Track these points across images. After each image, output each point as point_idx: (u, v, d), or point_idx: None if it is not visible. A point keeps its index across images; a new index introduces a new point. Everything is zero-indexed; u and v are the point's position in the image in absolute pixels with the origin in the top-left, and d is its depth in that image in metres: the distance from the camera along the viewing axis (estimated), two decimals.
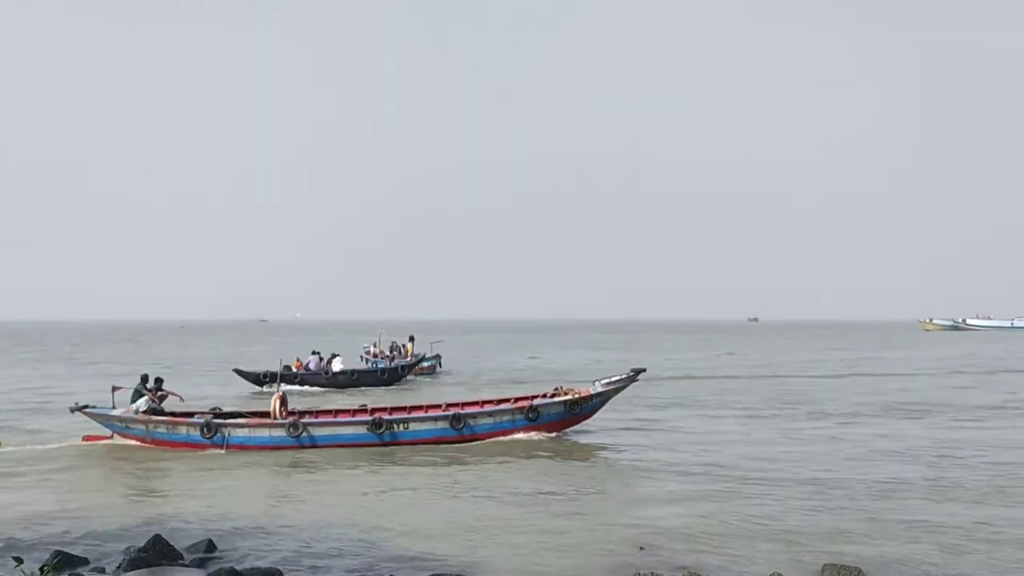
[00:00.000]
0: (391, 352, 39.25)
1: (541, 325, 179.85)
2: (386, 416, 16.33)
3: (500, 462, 14.50)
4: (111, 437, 16.58)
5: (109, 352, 58.17)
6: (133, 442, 16.38)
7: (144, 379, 17.12)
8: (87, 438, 16.73)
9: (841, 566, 8.16)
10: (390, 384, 30.42)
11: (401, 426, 16.09)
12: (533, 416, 16.40)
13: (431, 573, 8.31)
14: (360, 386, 29.52)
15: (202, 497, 12.20)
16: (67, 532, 10.02)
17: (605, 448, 15.97)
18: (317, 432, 15.94)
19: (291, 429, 15.79)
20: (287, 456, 15.31)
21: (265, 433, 15.96)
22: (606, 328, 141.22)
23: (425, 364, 36.59)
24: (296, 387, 28.69)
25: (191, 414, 16.68)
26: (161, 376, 17.68)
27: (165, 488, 13.01)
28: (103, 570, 8.47)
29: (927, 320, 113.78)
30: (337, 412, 17.19)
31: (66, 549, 8.98)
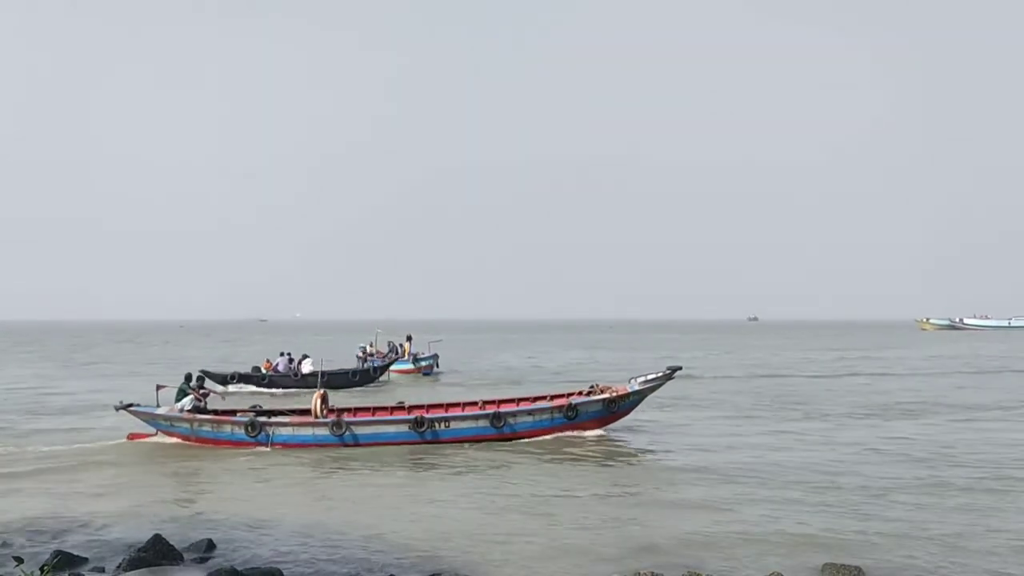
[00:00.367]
0: (388, 352, 39.22)
1: (541, 325, 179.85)
2: (428, 415, 16.38)
3: (523, 463, 14.49)
4: (155, 435, 16.66)
5: (107, 352, 58.17)
6: (177, 440, 16.46)
7: (188, 378, 17.36)
8: (131, 437, 16.80)
9: (841, 565, 8.17)
10: (362, 385, 29.81)
11: (442, 424, 16.15)
12: (572, 414, 16.47)
13: (431, 573, 8.32)
14: (330, 388, 28.72)
15: (204, 496, 12.22)
16: (68, 532, 10.03)
17: (640, 447, 15.96)
18: (360, 431, 16.02)
19: (334, 428, 15.89)
20: (326, 454, 15.39)
21: (308, 431, 16.06)
22: (606, 328, 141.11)
23: (423, 363, 36.50)
24: (264, 389, 28.14)
25: (233, 412, 16.79)
26: (202, 375, 17.96)
27: (170, 487, 12.99)
28: (103, 570, 8.48)
29: (924, 320, 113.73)
30: (375, 411, 17.23)
31: (66, 549, 9.00)
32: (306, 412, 16.60)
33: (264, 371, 29.61)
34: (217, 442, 16.16)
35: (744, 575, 8.32)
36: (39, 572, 7.69)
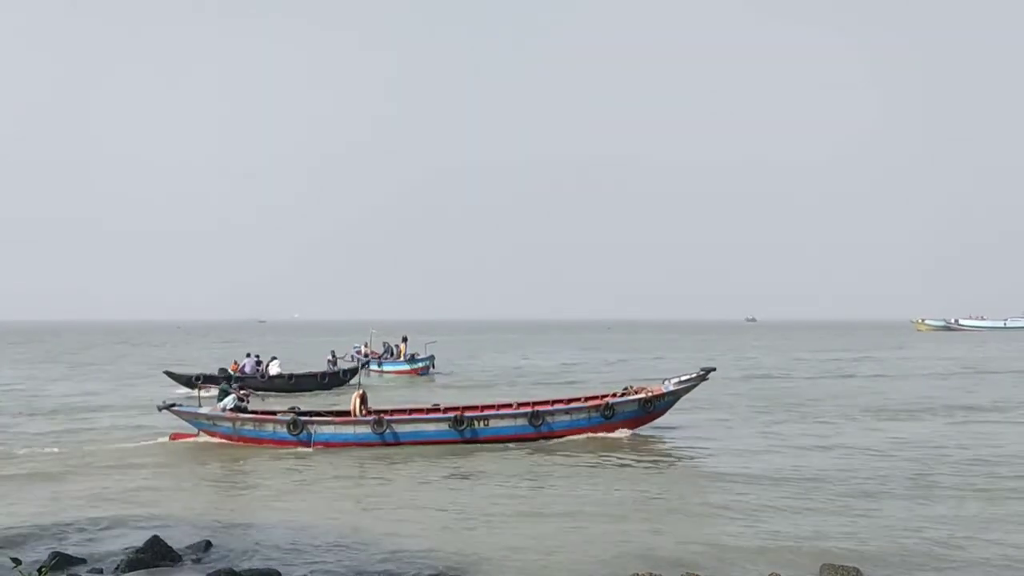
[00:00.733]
0: (384, 352, 39.27)
1: (540, 325, 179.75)
2: (467, 413, 16.49)
3: (541, 463, 14.58)
4: (197, 435, 16.76)
5: (101, 353, 58.14)
6: (219, 440, 16.55)
7: (229, 380, 17.39)
8: (174, 437, 16.93)
9: (839, 566, 8.21)
10: (331, 388, 29.20)
11: (481, 423, 16.28)
12: (609, 414, 16.61)
13: (430, 573, 8.37)
14: (299, 391, 28.21)
15: (204, 497, 12.24)
16: (67, 533, 10.05)
17: (664, 449, 16.07)
18: (400, 429, 16.13)
19: (376, 426, 15.99)
20: (366, 452, 15.51)
21: (350, 430, 16.18)
22: (603, 329, 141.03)
23: (419, 365, 36.51)
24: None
25: (273, 413, 16.88)
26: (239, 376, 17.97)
27: (170, 488, 12.99)
28: (101, 571, 8.49)
29: (919, 320, 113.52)
30: (411, 411, 17.31)
31: (64, 550, 9.02)
32: (344, 413, 16.76)
33: (231, 373, 28.62)
34: (259, 441, 16.29)
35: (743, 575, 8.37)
36: (36, 573, 7.68)
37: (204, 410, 16.79)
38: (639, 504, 11.51)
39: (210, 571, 8.29)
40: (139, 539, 9.26)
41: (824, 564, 8.34)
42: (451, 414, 16.36)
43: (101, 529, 10.25)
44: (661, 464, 14.47)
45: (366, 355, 39.80)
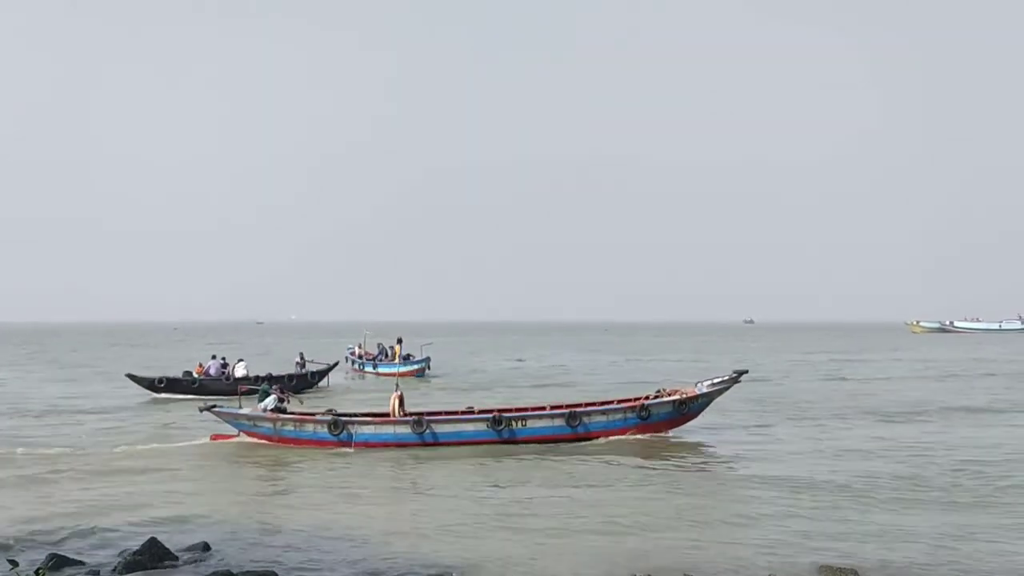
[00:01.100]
0: (378, 354, 39.15)
1: (539, 327, 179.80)
2: (506, 414, 16.58)
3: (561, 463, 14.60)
4: (237, 436, 16.83)
5: (98, 355, 58.09)
6: (259, 440, 16.61)
7: (269, 379, 17.38)
8: (215, 437, 17.03)
9: (837, 568, 8.23)
10: (299, 391, 28.43)
11: (519, 423, 16.36)
12: (645, 415, 16.71)
13: (432, 574, 8.38)
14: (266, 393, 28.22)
15: (203, 498, 12.20)
16: (66, 534, 10.05)
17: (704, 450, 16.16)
18: (440, 429, 16.22)
19: (415, 426, 16.08)
20: (408, 453, 15.58)
21: (390, 430, 16.27)
22: (602, 330, 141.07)
23: (415, 366, 36.34)
24: (194, 395, 26.76)
25: (312, 414, 16.95)
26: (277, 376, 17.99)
27: (169, 489, 12.94)
28: (98, 573, 8.51)
29: (914, 322, 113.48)
30: (446, 414, 17.37)
31: (62, 552, 9.01)
32: (382, 414, 16.85)
33: (196, 375, 28.32)
34: (300, 441, 16.36)
35: None
36: (34, 575, 7.70)
37: (245, 411, 16.93)
38: (639, 505, 11.50)
39: (207, 573, 8.30)
40: (138, 541, 9.26)
41: (822, 566, 8.36)
42: (489, 415, 16.50)
43: (100, 531, 10.24)
44: (672, 467, 14.45)
45: (360, 356, 39.70)
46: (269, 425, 16.56)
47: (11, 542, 9.64)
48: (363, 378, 36.99)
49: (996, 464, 14.16)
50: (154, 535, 9.19)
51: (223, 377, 28.02)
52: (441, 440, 16.11)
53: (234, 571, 8.29)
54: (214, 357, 29.59)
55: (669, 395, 17.22)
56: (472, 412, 17.07)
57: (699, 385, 17.46)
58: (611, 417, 16.71)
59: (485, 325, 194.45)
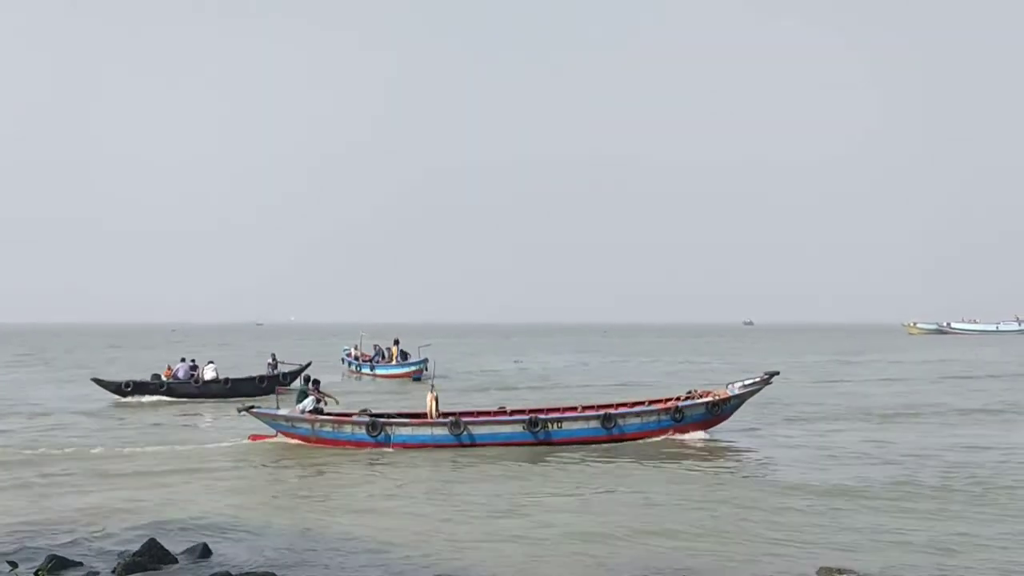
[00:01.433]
0: (374, 355, 39.08)
1: (538, 328, 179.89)
2: (542, 415, 16.68)
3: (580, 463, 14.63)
4: (275, 436, 16.91)
5: (86, 357, 58.07)
6: (297, 441, 16.68)
7: (307, 380, 17.77)
8: (253, 438, 17.12)
9: (837, 570, 8.24)
10: (270, 393, 27.77)
11: (555, 425, 16.45)
12: (679, 417, 16.80)
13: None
14: (235, 396, 26.75)
15: (204, 500, 12.16)
16: (64, 536, 10.05)
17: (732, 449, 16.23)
18: (476, 430, 16.32)
19: (453, 427, 16.15)
20: (443, 454, 15.65)
21: (427, 432, 16.37)
22: (602, 332, 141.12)
23: (413, 368, 36.16)
24: (164, 397, 26.55)
25: (349, 415, 17.03)
26: (318, 379, 18.27)
27: (169, 490, 12.92)
28: (97, 574, 8.51)
29: (911, 324, 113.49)
30: (479, 413, 17.48)
31: (62, 553, 8.99)
32: (418, 415, 16.98)
33: (164, 378, 27.69)
34: (338, 442, 16.45)
35: None
36: None
37: (283, 412, 17.03)
38: (639, 508, 11.53)
39: (207, 575, 8.32)
40: (138, 542, 9.25)
41: (822, 568, 8.37)
42: (526, 416, 16.60)
43: (101, 532, 10.24)
44: (682, 469, 14.49)
45: (356, 358, 39.64)
46: (307, 426, 16.68)
47: (11, 544, 9.65)
48: (359, 379, 36.94)
49: (994, 467, 14.19)
50: (154, 537, 9.19)
51: (192, 380, 27.47)
52: (478, 441, 16.22)
53: (233, 572, 8.29)
54: (183, 360, 29.01)
55: (701, 396, 17.33)
56: (505, 412, 17.23)
57: (731, 387, 17.56)
58: (645, 419, 16.82)
59: (485, 327, 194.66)
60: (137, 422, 21.70)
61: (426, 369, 36.61)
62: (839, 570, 8.26)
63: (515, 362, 48.87)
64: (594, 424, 16.54)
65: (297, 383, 29.62)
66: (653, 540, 9.81)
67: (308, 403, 16.96)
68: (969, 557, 9.08)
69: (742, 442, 17.13)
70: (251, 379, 28.94)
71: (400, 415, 17.26)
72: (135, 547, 9.07)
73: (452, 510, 11.56)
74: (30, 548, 9.46)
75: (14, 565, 8.24)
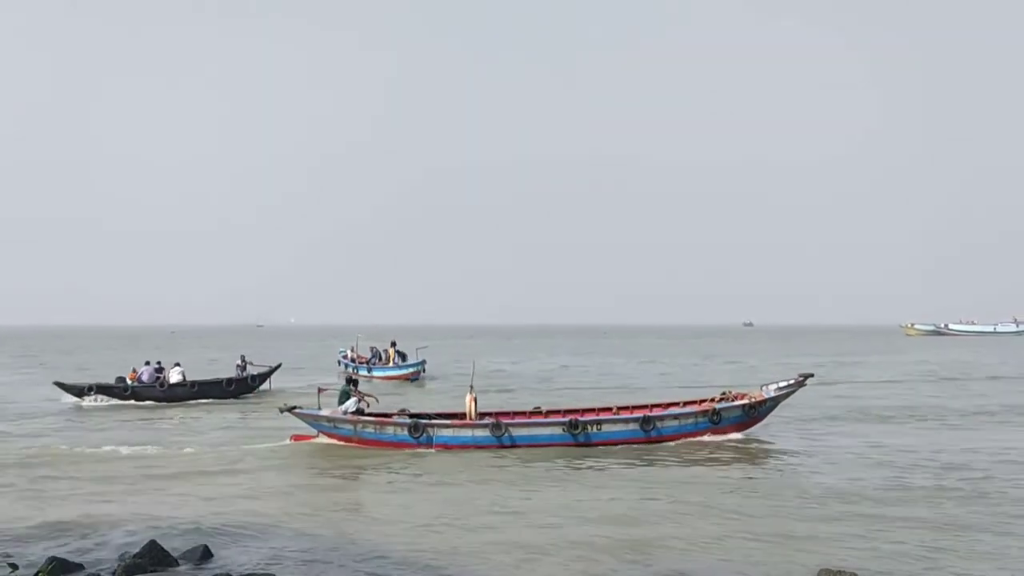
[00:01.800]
0: (371, 357, 39.06)
1: (538, 329, 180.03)
2: (581, 417, 16.77)
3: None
4: (316, 437, 17.02)
5: (81, 358, 58.08)
6: (338, 442, 16.77)
7: (349, 381, 17.91)
8: (295, 438, 17.22)
9: (837, 571, 8.25)
10: (238, 396, 27.77)
11: (595, 427, 16.51)
12: (716, 419, 16.86)
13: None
14: (202, 399, 26.83)
15: (210, 501, 12.16)
16: (65, 537, 10.06)
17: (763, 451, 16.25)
18: (517, 432, 16.39)
19: (494, 429, 16.24)
20: (486, 455, 15.70)
21: (468, 433, 16.43)
22: (601, 334, 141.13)
23: (410, 369, 36.17)
24: (129, 401, 26.21)
25: (389, 415, 17.13)
26: (356, 379, 18.29)
27: (171, 492, 12.92)
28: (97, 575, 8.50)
29: (909, 325, 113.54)
30: (514, 414, 17.57)
31: (62, 555, 8.99)
32: (457, 416, 17.07)
33: (129, 381, 27.21)
34: (380, 443, 16.53)
35: None
36: None
37: (325, 412, 17.11)
38: (638, 510, 11.54)
39: None
40: (139, 543, 9.25)
41: (822, 569, 8.38)
42: (566, 418, 16.68)
43: (102, 534, 10.24)
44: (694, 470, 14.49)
45: (352, 360, 39.63)
46: (350, 427, 16.78)
47: (11, 545, 9.64)
48: None
49: (991, 468, 14.23)
50: (154, 539, 9.19)
51: (157, 384, 27.02)
52: (518, 443, 16.29)
53: (233, 574, 8.30)
54: (147, 363, 28.28)
55: (737, 398, 17.43)
56: (541, 414, 17.39)
57: (766, 389, 17.66)
58: (683, 421, 16.91)
59: (485, 328, 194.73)
60: (142, 423, 21.70)
61: (423, 371, 36.68)
62: (839, 571, 8.26)
63: (512, 363, 48.90)
64: (633, 426, 16.65)
65: (267, 385, 29.33)
66: (653, 540, 9.84)
67: (351, 404, 17.06)
68: (969, 558, 9.11)
69: (743, 443, 17.09)
70: (218, 382, 28.26)
71: (439, 415, 17.33)
72: (136, 549, 9.06)
73: (453, 514, 11.54)
74: (30, 550, 9.48)
75: (14, 567, 8.26)
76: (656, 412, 17.16)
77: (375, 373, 37.13)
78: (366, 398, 17.32)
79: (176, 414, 23.58)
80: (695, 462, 15.07)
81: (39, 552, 9.33)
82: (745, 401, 17.24)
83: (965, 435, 18.48)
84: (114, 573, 8.50)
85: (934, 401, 25.70)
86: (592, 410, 17.72)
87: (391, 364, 37.35)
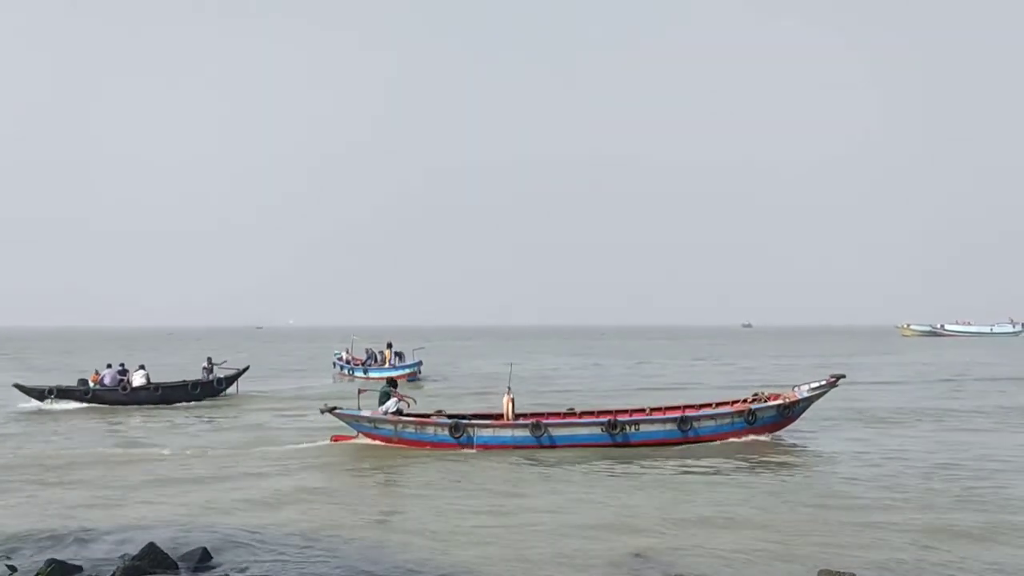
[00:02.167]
0: (367, 358, 39.13)
1: (537, 330, 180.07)
2: (620, 418, 16.90)
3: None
4: (356, 437, 17.13)
5: (77, 360, 58.09)
6: (378, 442, 16.87)
7: (389, 381, 17.97)
8: (335, 438, 17.32)
9: (836, 572, 8.27)
10: (202, 399, 27.12)
11: (633, 427, 16.63)
12: (751, 419, 16.96)
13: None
14: (166, 403, 26.25)
15: (205, 502, 12.15)
16: (65, 539, 10.05)
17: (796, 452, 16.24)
18: (556, 432, 16.50)
19: (534, 429, 16.34)
20: (524, 455, 15.73)
21: (508, 433, 16.53)
22: (599, 335, 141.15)
23: (406, 370, 36.15)
24: (87, 404, 25.61)
25: (427, 415, 17.26)
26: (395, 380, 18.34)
27: (171, 494, 12.90)
28: None
29: (905, 325, 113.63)
30: (548, 415, 17.65)
31: (60, 557, 9.00)
32: (494, 416, 17.18)
33: (91, 384, 26.49)
34: (420, 444, 16.63)
35: None
36: None
37: (366, 413, 17.21)
38: (638, 511, 11.55)
39: None
40: (138, 546, 9.25)
41: (821, 570, 8.39)
42: (604, 419, 16.80)
43: (102, 535, 10.25)
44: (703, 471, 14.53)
45: (348, 362, 39.70)
46: (390, 427, 16.88)
47: (10, 548, 9.64)
48: (352, 382, 36.98)
49: (990, 470, 14.28)
50: (153, 541, 9.19)
51: (119, 387, 26.36)
52: (557, 443, 16.39)
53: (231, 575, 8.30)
54: (110, 365, 27.61)
55: (770, 399, 17.53)
56: (574, 413, 17.54)
57: (799, 389, 17.75)
58: (720, 421, 17.03)
59: (484, 329, 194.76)
60: (146, 425, 21.70)
61: (420, 372, 36.74)
62: (838, 572, 8.28)
63: (508, 365, 48.85)
64: (671, 426, 16.76)
65: (234, 389, 28.61)
66: (653, 541, 9.86)
67: (391, 404, 17.17)
68: (969, 559, 9.13)
69: (742, 443, 17.08)
70: (183, 385, 27.65)
71: (477, 416, 17.45)
72: (135, 551, 9.07)
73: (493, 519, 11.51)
74: (29, 552, 9.48)
75: (13, 569, 8.27)
76: (690, 412, 17.27)
77: (371, 374, 37.15)
78: (405, 399, 17.43)
79: (138, 417, 23.29)
80: (701, 464, 15.12)
81: (38, 554, 9.34)
82: (780, 401, 17.35)
83: (965, 436, 18.53)
84: (113, 575, 8.50)
85: (929, 403, 25.68)
86: (624, 411, 17.86)
87: (387, 365, 37.44)
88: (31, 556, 9.27)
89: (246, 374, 29.88)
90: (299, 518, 11.19)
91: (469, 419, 16.95)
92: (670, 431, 16.70)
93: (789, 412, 17.35)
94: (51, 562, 8.67)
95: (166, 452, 16.81)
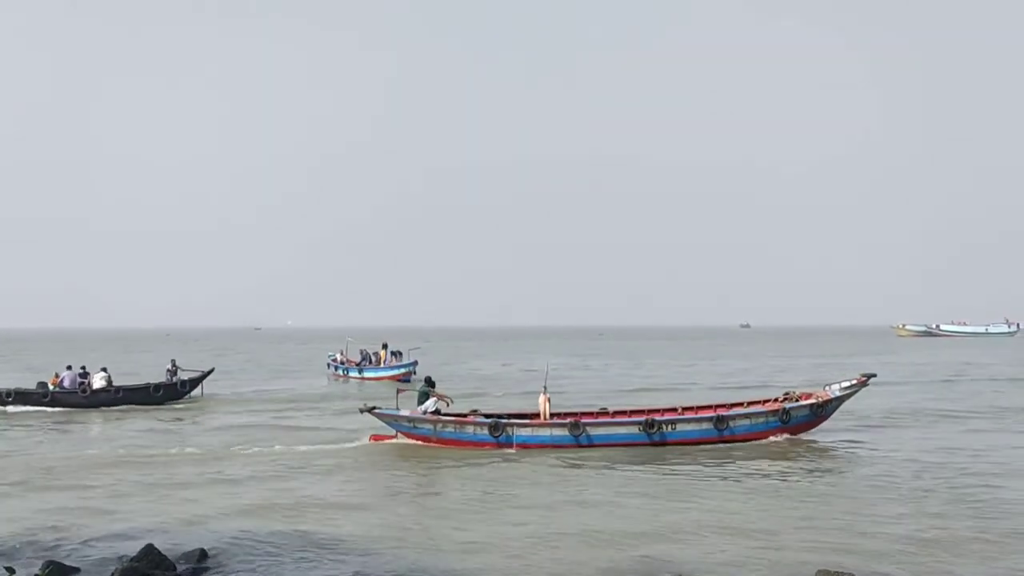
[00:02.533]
0: (361, 359, 39.21)
1: (536, 331, 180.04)
2: (658, 417, 17.00)
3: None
4: (395, 436, 17.19)
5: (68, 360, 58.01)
6: (417, 442, 16.94)
7: (428, 381, 18.05)
8: (374, 438, 17.39)
9: (835, 572, 8.28)
10: (164, 402, 26.45)
11: (669, 427, 16.69)
12: (785, 419, 17.06)
13: None
14: (125, 404, 25.69)
15: (205, 504, 12.15)
16: (65, 541, 10.06)
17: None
18: (595, 432, 16.58)
19: (572, 428, 16.40)
20: (564, 455, 15.76)
21: (547, 432, 16.62)
22: (597, 335, 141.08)
23: (401, 371, 36.23)
24: (46, 408, 24.93)
25: (464, 415, 17.36)
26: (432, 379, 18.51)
27: (170, 495, 12.90)
28: None
29: (900, 326, 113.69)
30: (582, 415, 17.66)
31: (58, 559, 9.00)
32: (533, 416, 17.26)
33: (51, 387, 25.81)
34: (460, 443, 16.70)
35: None
36: None
37: (405, 412, 17.28)
38: (639, 510, 11.58)
39: None
40: (137, 547, 9.23)
41: (820, 570, 8.40)
42: (641, 418, 16.89)
43: (100, 538, 10.24)
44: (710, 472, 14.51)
45: (342, 363, 39.79)
46: (429, 427, 16.96)
47: (8, 549, 9.64)
48: (346, 383, 37.05)
49: (988, 471, 14.29)
50: (152, 543, 9.18)
51: (79, 389, 25.73)
52: (595, 442, 16.44)
53: None
54: (70, 367, 26.95)
55: (802, 398, 17.62)
56: (607, 413, 17.64)
57: (831, 388, 17.82)
58: (754, 421, 17.12)
59: (484, 329, 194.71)
60: (155, 426, 21.64)
61: (415, 372, 36.80)
62: (837, 572, 8.30)
63: (503, 365, 49.00)
64: (707, 426, 16.85)
65: (198, 392, 27.92)
66: (652, 540, 9.88)
67: (430, 404, 17.24)
68: (972, 562, 9.13)
69: (741, 444, 17.11)
70: (145, 387, 27.20)
71: (513, 415, 17.49)
72: (133, 552, 9.05)
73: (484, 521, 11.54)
74: (27, 553, 9.47)
75: (11, 571, 8.23)
76: (724, 412, 17.36)
77: (366, 374, 37.35)
78: (444, 398, 17.48)
79: (97, 419, 23.03)
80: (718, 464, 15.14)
81: (36, 555, 9.34)
82: (813, 401, 17.43)
83: (961, 436, 18.57)
84: None
85: (925, 403, 25.67)
86: (657, 410, 17.96)
87: (382, 365, 37.60)
88: (28, 559, 9.26)
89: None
90: (298, 519, 11.18)
91: (507, 419, 17.03)
92: (706, 430, 16.79)
93: (822, 411, 17.46)
94: (49, 564, 8.67)
95: (154, 453, 16.80)
